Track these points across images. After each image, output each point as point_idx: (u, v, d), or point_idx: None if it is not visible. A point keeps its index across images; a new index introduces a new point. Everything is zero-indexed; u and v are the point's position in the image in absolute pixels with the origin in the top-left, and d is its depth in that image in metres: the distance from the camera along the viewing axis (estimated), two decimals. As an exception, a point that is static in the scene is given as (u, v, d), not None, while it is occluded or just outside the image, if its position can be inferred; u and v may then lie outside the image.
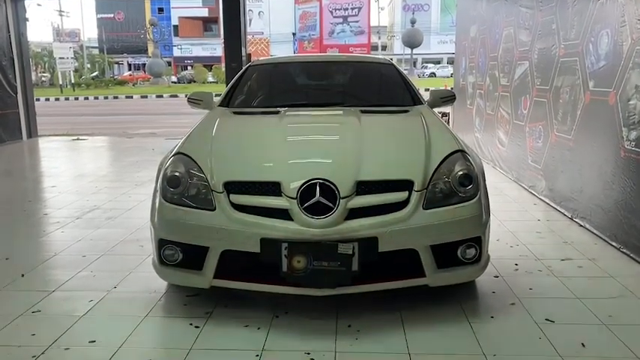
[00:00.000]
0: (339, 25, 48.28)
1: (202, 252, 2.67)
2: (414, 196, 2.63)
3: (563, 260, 3.59)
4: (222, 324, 2.73)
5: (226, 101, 3.95)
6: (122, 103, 26.95)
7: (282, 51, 43.77)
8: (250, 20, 45.49)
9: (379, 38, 53.20)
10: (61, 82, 36.44)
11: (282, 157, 2.82)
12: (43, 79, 46.32)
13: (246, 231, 2.57)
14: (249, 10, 44.45)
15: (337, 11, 47.98)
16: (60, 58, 34.04)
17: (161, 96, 30.09)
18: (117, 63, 58.68)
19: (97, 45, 58.57)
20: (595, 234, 4.08)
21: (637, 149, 3.55)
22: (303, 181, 2.58)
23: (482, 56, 7.61)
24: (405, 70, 27.58)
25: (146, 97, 30.27)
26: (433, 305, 2.89)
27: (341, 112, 3.63)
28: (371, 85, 4.23)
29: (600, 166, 4.04)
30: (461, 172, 2.74)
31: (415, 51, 47.53)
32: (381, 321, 2.73)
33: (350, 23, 48.19)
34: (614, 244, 3.82)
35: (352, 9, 47.91)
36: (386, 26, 58.97)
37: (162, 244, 2.79)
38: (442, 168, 2.75)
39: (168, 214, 2.76)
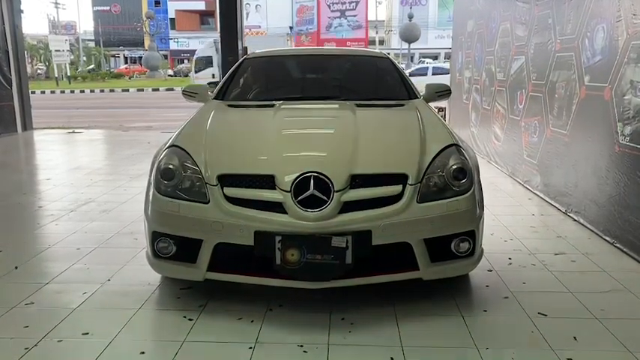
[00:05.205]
0: (336, 20, 48.12)
1: (196, 245, 2.66)
2: (408, 189, 2.63)
3: (556, 254, 3.61)
4: (216, 317, 2.73)
5: (221, 94, 3.93)
6: (118, 96, 26.85)
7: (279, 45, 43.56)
8: (247, 14, 45.26)
9: (377, 33, 53.01)
10: (56, 75, 36.26)
11: (276, 151, 2.81)
12: (39, 71, 46.07)
13: (239, 224, 2.57)
14: (247, 3, 44.19)
15: (335, 5, 47.80)
16: (56, 50, 33.86)
17: (157, 89, 29.99)
18: (113, 56, 58.45)
19: (93, 38, 58.30)
20: (589, 229, 4.10)
21: (631, 144, 3.55)
22: (298, 174, 2.57)
23: (478, 51, 7.60)
24: (402, 64, 27.48)
25: (142, 90, 30.16)
26: (426, 298, 2.90)
27: (336, 105, 3.62)
28: (366, 79, 4.22)
29: (595, 161, 4.05)
30: (455, 166, 2.75)
31: (412, 46, 47.40)
32: (374, 314, 2.74)
33: (347, 17, 48.03)
34: (607, 238, 3.83)
35: (350, 3, 47.75)
36: (383, 21, 58.81)
37: (155, 236, 2.79)
38: (436, 162, 2.75)
39: (161, 206, 2.75)
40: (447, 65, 25.49)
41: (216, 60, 23.36)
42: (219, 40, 9.73)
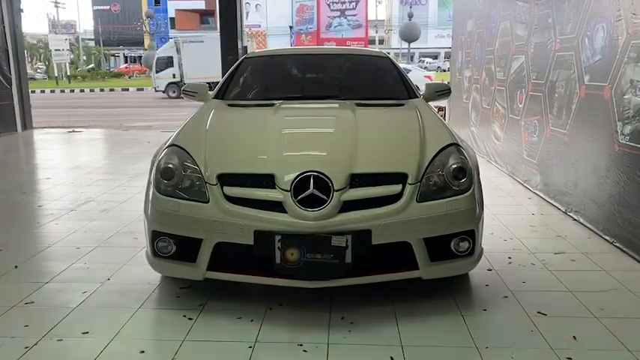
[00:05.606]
0: (336, 19, 48.03)
1: (196, 244, 2.66)
2: (408, 189, 2.64)
3: (556, 254, 3.61)
4: (216, 316, 2.74)
5: (221, 93, 3.93)
6: (118, 95, 26.85)
7: (280, 44, 43.58)
8: (247, 13, 45.22)
9: (376, 32, 53.01)
10: (56, 74, 36.24)
11: (276, 150, 2.81)
12: (39, 70, 46.05)
13: (239, 223, 2.57)
14: (246, 2, 44.15)
15: (334, 4, 47.71)
16: (55, 49, 33.86)
17: (157, 89, 29.93)
18: (113, 55, 58.45)
19: (92, 37, 58.32)
20: (589, 228, 4.10)
21: (631, 143, 3.55)
22: (297, 173, 2.57)
23: (478, 50, 7.60)
24: (405, 64, 27.51)
25: (142, 89, 30.14)
26: (426, 298, 2.90)
27: (336, 105, 3.62)
28: (366, 78, 4.22)
29: (595, 160, 4.05)
30: (455, 166, 2.75)
31: (412, 45, 47.41)
32: (374, 313, 2.74)
33: (347, 17, 47.94)
34: (607, 238, 3.83)
35: (349, 2, 47.68)
36: (383, 20, 58.81)
37: (155, 236, 2.79)
38: (436, 161, 2.75)
39: (161, 206, 2.75)
40: (408, 66, 25.91)
41: (177, 60, 23.35)
42: (220, 39, 9.70)
